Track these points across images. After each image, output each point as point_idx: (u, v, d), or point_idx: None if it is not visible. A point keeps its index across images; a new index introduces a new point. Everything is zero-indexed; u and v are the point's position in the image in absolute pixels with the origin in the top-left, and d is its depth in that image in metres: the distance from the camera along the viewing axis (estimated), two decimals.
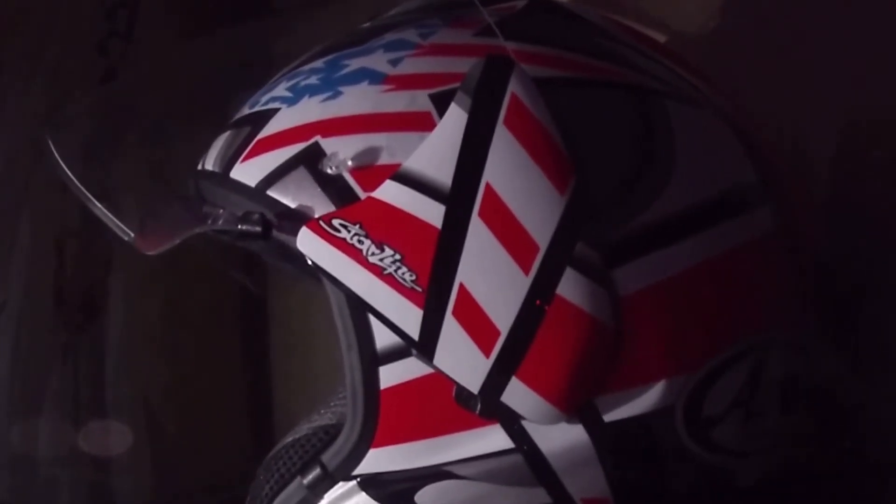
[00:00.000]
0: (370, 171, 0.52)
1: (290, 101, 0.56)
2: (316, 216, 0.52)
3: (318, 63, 0.57)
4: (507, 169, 0.50)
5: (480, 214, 0.50)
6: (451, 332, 0.50)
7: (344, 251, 0.51)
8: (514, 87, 0.51)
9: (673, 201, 0.51)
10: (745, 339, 0.53)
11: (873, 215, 0.67)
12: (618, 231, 0.51)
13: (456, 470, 0.54)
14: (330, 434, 0.59)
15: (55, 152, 0.58)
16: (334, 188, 0.53)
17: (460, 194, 0.50)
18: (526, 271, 0.49)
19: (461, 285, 0.50)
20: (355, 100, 0.54)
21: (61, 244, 0.94)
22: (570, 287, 0.49)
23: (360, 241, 0.50)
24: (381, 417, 0.53)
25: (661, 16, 0.70)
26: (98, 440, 0.97)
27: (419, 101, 0.53)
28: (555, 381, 0.50)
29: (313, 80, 0.56)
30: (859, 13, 0.67)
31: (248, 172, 0.56)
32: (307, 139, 0.54)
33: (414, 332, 0.50)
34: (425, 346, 0.50)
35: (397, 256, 0.50)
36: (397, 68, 0.54)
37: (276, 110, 0.56)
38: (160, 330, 1.02)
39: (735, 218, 0.53)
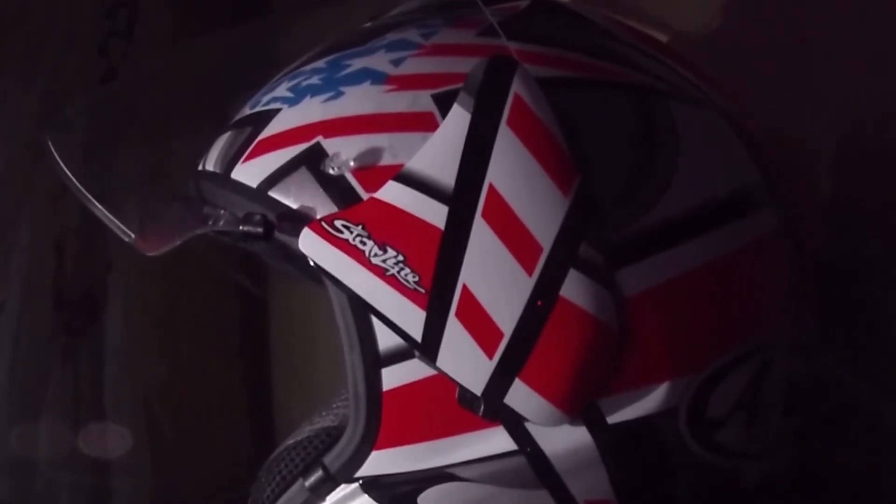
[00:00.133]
0: (372, 172, 0.52)
1: (292, 102, 0.56)
2: (318, 217, 0.52)
3: (320, 63, 0.57)
4: (511, 169, 0.50)
5: (483, 215, 0.49)
6: (454, 333, 0.50)
7: (346, 252, 0.50)
8: (517, 88, 0.50)
9: (676, 202, 0.51)
10: (749, 340, 0.53)
11: (874, 215, 0.67)
12: (621, 232, 0.50)
13: (459, 472, 0.53)
14: (332, 436, 0.59)
15: (55, 153, 0.58)
16: (336, 189, 0.52)
17: (463, 195, 0.50)
18: (529, 272, 0.49)
19: (464, 286, 0.49)
20: (357, 100, 0.54)
21: (61, 244, 0.94)
22: (573, 288, 0.49)
23: (362, 243, 0.50)
24: (384, 419, 0.53)
25: (662, 16, 0.69)
26: (98, 442, 0.97)
27: (422, 101, 0.53)
28: (558, 382, 0.50)
29: (315, 80, 0.56)
30: (859, 13, 0.67)
31: (250, 173, 0.55)
32: (309, 140, 0.54)
33: (417, 334, 0.50)
34: (428, 347, 0.50)
35: (400, 257, 0.50)
36: (399, 68, 0.54)
37: (278, 110, 0.56)
38: (160, 331, 1.01)
39: (739, 218, 0.53)
